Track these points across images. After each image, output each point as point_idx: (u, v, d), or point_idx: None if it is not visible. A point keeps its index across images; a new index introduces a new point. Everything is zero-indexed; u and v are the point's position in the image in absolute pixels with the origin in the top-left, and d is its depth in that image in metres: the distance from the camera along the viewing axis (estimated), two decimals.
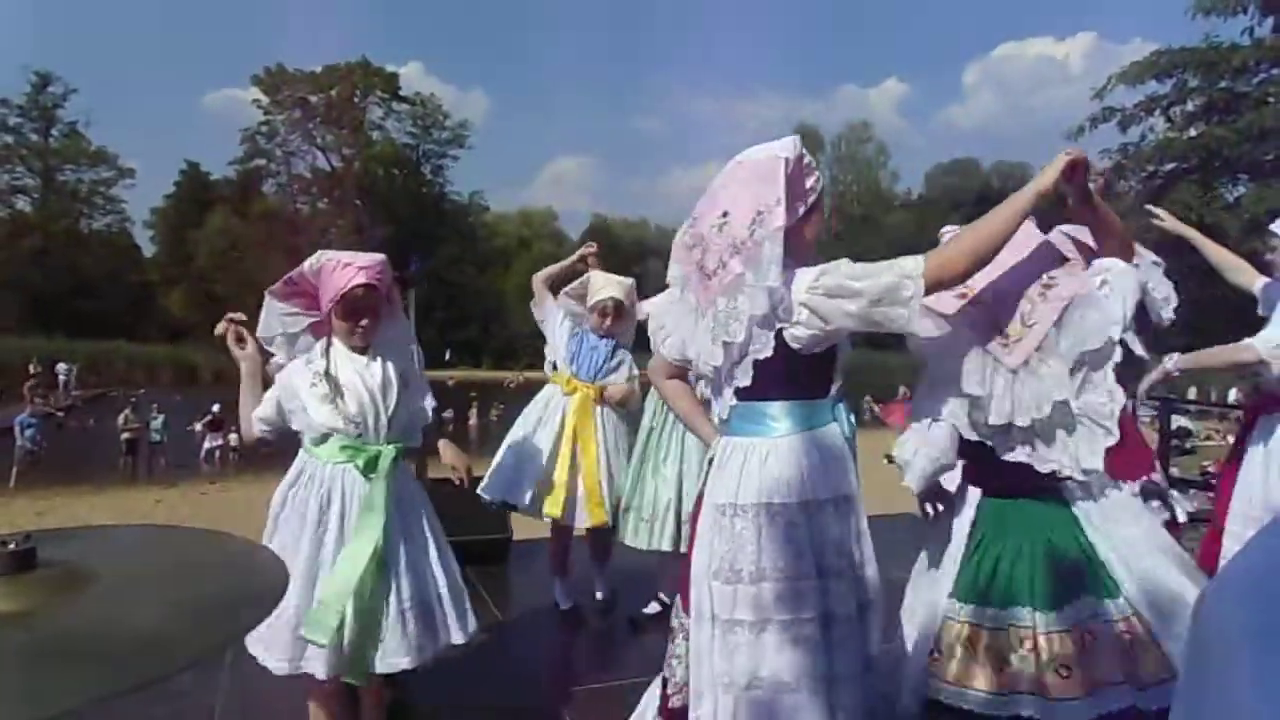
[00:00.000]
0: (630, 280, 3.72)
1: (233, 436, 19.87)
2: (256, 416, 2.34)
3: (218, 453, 19.16)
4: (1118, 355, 1.70)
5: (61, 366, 30.78)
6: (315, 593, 2.19)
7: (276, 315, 2.40)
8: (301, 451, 2.33)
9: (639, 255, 48.87)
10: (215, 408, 19.62)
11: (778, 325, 1.66)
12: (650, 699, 1.97)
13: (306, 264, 2.34)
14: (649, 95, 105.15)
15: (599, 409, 3.62)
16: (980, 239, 1.65)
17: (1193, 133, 15.41)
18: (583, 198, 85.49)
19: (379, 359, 2.34)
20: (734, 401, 1.74)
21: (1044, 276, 1.75)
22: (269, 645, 2.22)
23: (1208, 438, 18.40)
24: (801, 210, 1.76)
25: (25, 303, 41.26)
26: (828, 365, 1.76)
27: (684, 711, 1.76)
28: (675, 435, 3.49)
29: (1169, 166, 15.79)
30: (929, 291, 1.61)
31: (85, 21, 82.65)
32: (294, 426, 2.31)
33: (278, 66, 48.71)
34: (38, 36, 73.58)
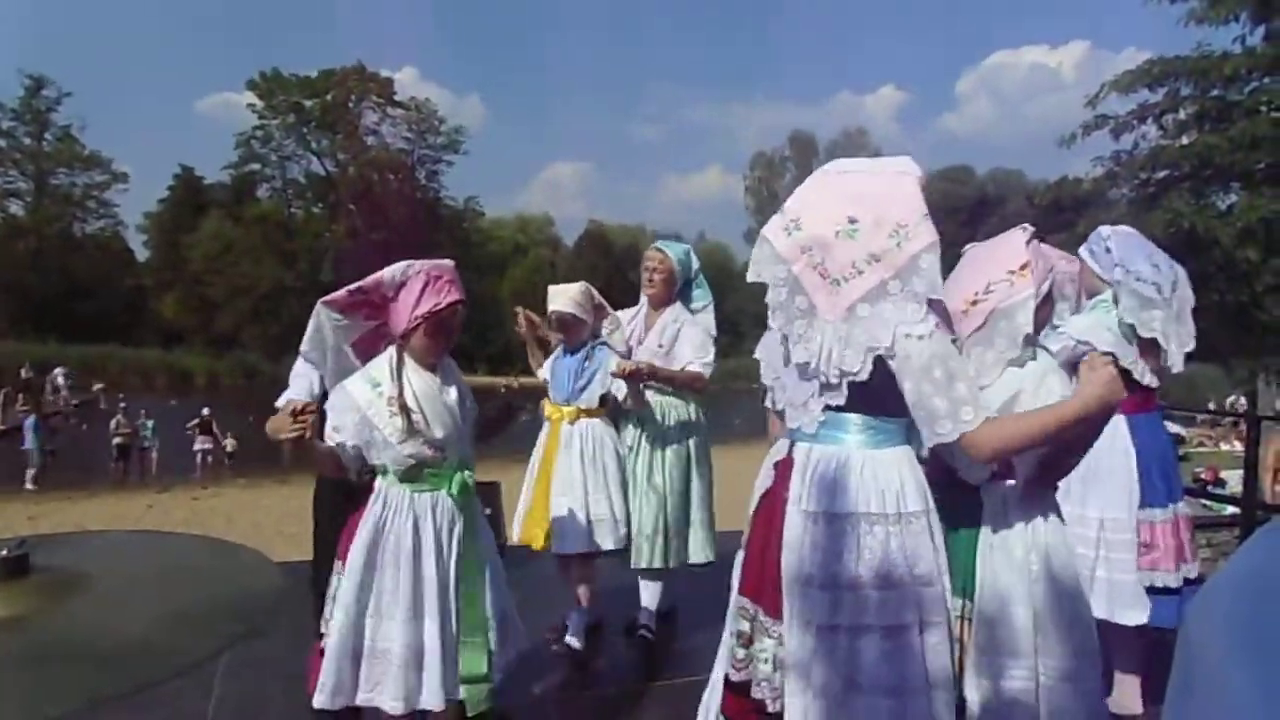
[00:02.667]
0: (579, 285, 3.47)
1: (228, 442, 19.88)
2: (347, 452, 2.16)
3: (209, 456, 19.10)
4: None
5: (59, 371, 30.67)
6: (424, 629, 2.10)
7: (329, 326, 2.20)
8: (379, 481, 2.20)
9: (635, 261, 48.98)
10: (204, 411, 19.55)
11: (875, 344, 1.70)
12: (712, 697, 1.95)
13: (387, 273, 2.16)
14: (645, 101, 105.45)
15: (572, 429, 3.44)
16: (1028, 434, 1.71)
17: (1185, 141, 15.45)
18: (578, 203, 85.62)
19: (448, 376, 2.24)
20: (823, 416, 1.77)
21: (982, 287, 1.93)
22: (378, 687, 2.10)
23: (1199, 444, 18.46)
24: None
25: (18, 307, 41.08)
26: None
27: (763, 706, 1.77)
28: (654, 455, 3.47)
29: (1161, 174, 15.84)
30: (965, 440, 1.68)
31: (79, 25, 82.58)
32: (374, 460, 2.16)
33: (273, 71, 48.67)
34: (31, 40, 73.50)
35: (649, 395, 3.47)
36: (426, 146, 53.36)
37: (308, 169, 51.35)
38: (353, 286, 2.18)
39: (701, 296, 3.73)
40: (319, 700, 2.08)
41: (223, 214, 47.95)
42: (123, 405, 19.92)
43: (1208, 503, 7.08)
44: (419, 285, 2.14)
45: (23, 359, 31.64)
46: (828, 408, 1.76)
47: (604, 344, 3.42)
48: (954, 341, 1.77)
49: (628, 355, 3.41)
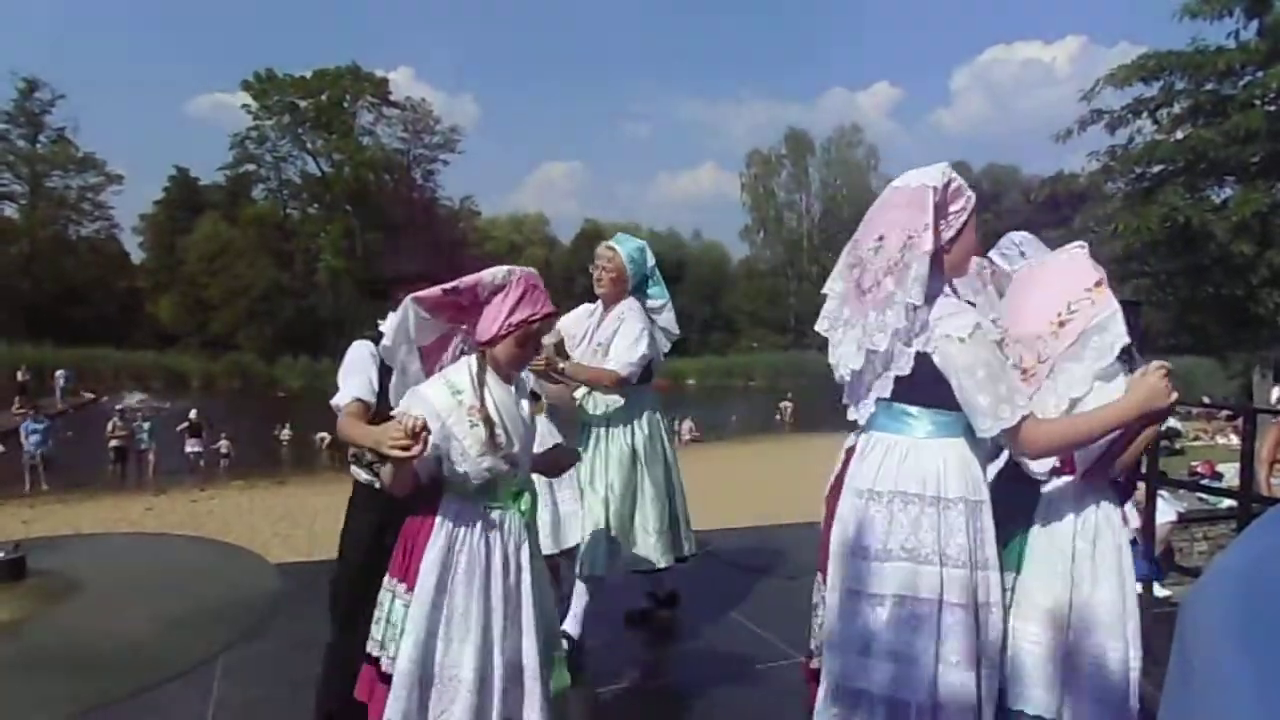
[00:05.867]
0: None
1: (223, 444, 19.86)
2: (426, 463, 2.01)
3: (201, 458, 19.07)
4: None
5: (61, 373, 30.61)
6: (494, 657, 2.01)
7: (414, 323, 2.11)
8: (447, 499, 2.07)
9: None
10: (192, 413, 19.51)
11: (915, 344, 1.86)
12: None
13: (486, 275, 2.08)
14: (637, 99, 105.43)
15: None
16: (1073, 435, 1.87)
17: (1180, 135, 15.49)
18: (573, 202, 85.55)
19: (520, 388, 2.17)
20: (874, 407, 1.95)
21: (1064, 307, 2.04)
22: (445, 713, 2.01)
23: (1195, 438, 18.49)
24: (949, 234, 1.94)
25: (13, 310, 40.96)
26: None
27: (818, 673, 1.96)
28: (595, 458, 3.43)
29: (1156, 168, 15.86)
30: (1019, 436, 1.82)
31: (72, 27, 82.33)
32: (451, 472, 2.04)
33: (267, 71, 48.50)
34: (24, 42, 73.25)
35: (597, 395, 3.43)
36: (422, 146, 53.31)
37: (303, 169, 51.25)
38: (448, 285, 2.08)
39: (659, 294, 3.63)
40: None
41: (218, 215, 47.82)
42: (119, 409, 19.86)
43: (1204, 496, 7.09)
44: (518, 292, 2.06)
45: (18, 362, 31.57)
46: (878, 400, 1.94)
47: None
48: (1000, 342, 1.91)
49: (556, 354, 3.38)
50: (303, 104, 49.02)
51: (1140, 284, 16.58)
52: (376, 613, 2.07)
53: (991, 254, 3.15)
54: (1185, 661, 0.60)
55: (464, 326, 2.14)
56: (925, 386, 1.87)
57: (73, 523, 12.83)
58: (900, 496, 1.86)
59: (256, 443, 22.52)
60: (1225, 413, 17.60)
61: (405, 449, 1.82)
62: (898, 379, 1.89)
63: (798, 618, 3.92)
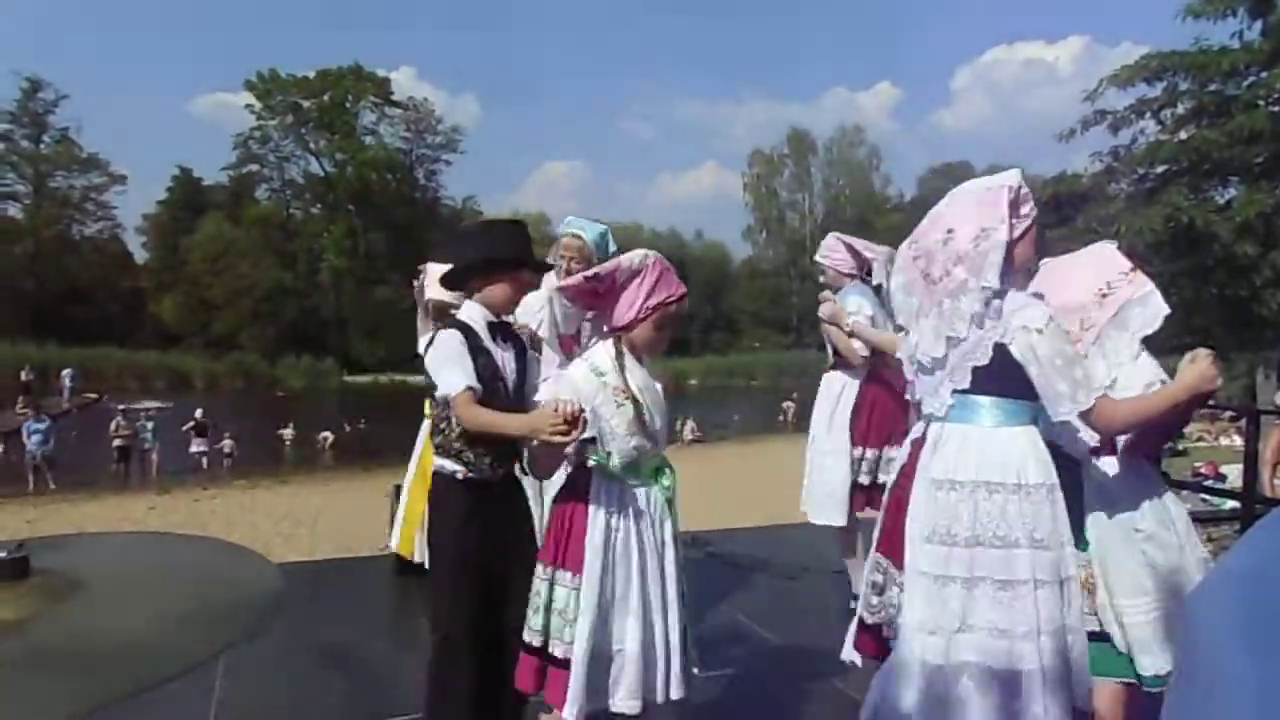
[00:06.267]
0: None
1: (226, 443, 19.89)
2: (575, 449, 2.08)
3: (205, 458, 19.10)
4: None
5: (66, 373, 30.68)
6: (654, 625, 2.08)
7: (559, 313, 2.19)
8: (597, 481, 2.10)
9: None
10: (198, 413, 19.55)
11: (993, 334, 1.96)
12: (851, 631, 2.24)
13: (625, 260, 2.13)
14: (640, 99, 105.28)
15: None
16: (1142, 413, 2.05)
17: (1183, 136, 15.44)
18: (574, 202, 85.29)
19: (650, 368, 2.21)
20: (951, 399, 2.03)
21: (1104, 284, 2.23)
22: (616, 689, 2.05)
23: (1199, 439, 18.46)
24: (1016, 233, 2.05)
25: (17, 309, 41.06)
26: None
27: (889, 645, 2.08)
28: None
29: (1160, 169, 15.82)
30: (1098, 416, 1.96)
31: (76, 27, 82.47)
32: (600, 451, 2.09)
33: (270, 71, 48.65)
34: (28, 42, 73.43)
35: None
36: (425, 146, 53.46)
37: (306, 169, 51.44)
38: (589, 273, 2.13)
39: None
40: (571, 713, 2.00)
41: (221, 215, 47.95)
42: (122, 408, 19.88)
43: (1208, 497, 7.08)
44: (654, 275, 2.10)
45: (21, 362, 31.65)
46: (955, 391, 2.02)
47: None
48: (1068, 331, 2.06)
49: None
50: (305, 104, 49.15)
51: None
52: (534, 601, 2.12)
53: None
54: (1190, 662, 0.60)
55: (597, 314, 2.19)
56: (998, 376, 1.97)
57: (76, 522, 12.86)
58: (985, 486, 1.95)
59: (259, 442, 22.54)
60: (1229, 414, 17.57)
61: (564, 433, 1.89)
62: (974, 369, 1.99)
63: (799, 617, 3.93)
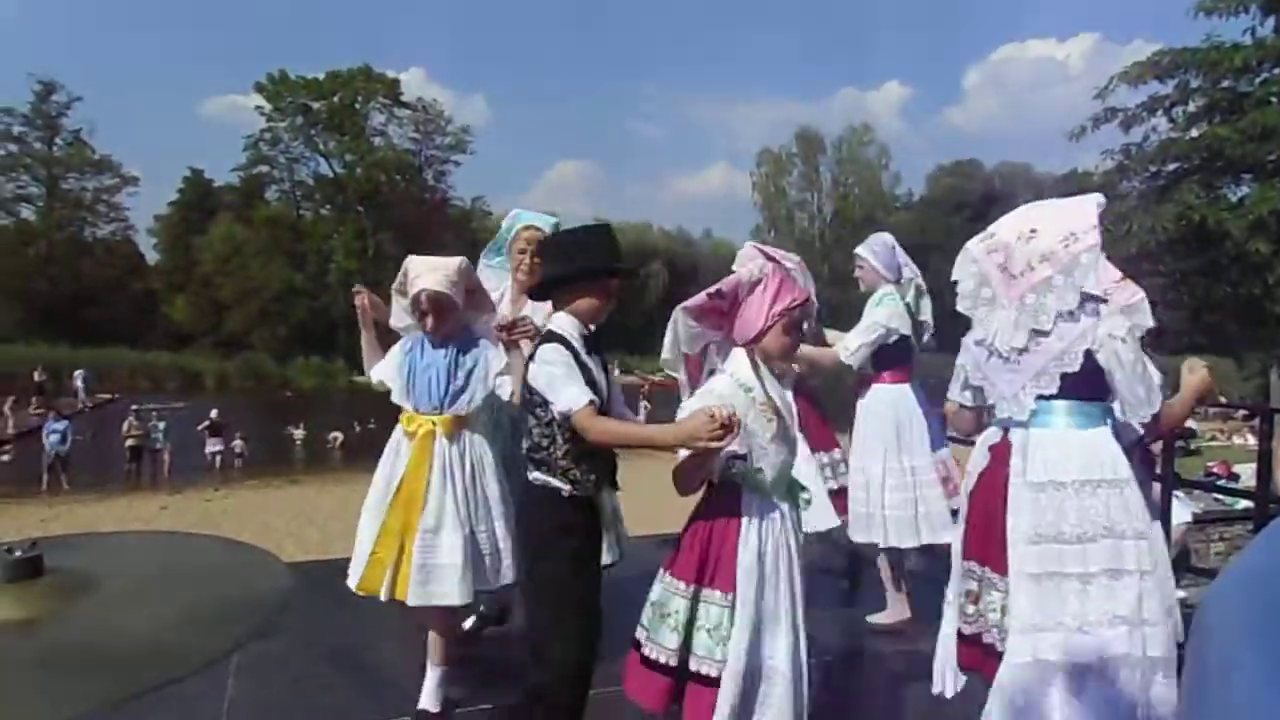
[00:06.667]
0: (456, 260, 2.82)
1: (236, 443, 20.00)
2: (722, 460, 2.07)
3: (219, 457, 19.22)
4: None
5: (79, 373, 30.92)
6: (800, 647, 2.09)
7: (683, 333, 2.15)
8: (746, 497, 2.07)
9: (643, 259, 48.92)
10: (213, 413, 19.67)
11: (1083, 342, 2.06)
12: (945, 654, 2.26)
13: (744, 272, 2.11)
14: (649, 99, 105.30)
15: (450, 445, 2.74)
16: (1181, 414, 2.35)
17: (1195, 133, 15.35)
18: (583, 202, 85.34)
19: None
20: (1035, 405, 2.10)
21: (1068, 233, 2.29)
22: (765, 709, 2.05)
23: (1211, 439, 18.34)
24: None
25: (30, 310, 41.37)
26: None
27: (993, 650, 2.11)
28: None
29: (1172, 167, 15.73)
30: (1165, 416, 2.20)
31: (87, 30, 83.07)
32: (747, 467, 2.06)
33: (280, 73, 48.83)
34: (40, 45, 73.98)
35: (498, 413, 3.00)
36: (434, 147, 53.52)
37: (316, 170, 51.54)
38: (711, 290, 2.10)
39: None
40: None
41: (232, 216, 48.15)
42: (135, 408, 19.99)
43: (1220, 497, 7.03)
44: (775, 282, 2.09)
45: (34, 362, 31.90)
46: (1040, 397, 2.10)
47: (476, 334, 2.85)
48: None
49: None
50: (315, 105, 49.30)
51: (1155, 283, 16.47)
52: (671, 620, 2.06)
53: (862, 250, 3.71)
54: (1203, 662, 0.60)
55: (723, 330, 2.16)
56: (1081, 382, 2.07)
57: (90, 522, 12.96)
58: (1088, 484, 2.03)
59: (269, 442, 22.66)
60: (1242, 413, 17.45)
61: (720, 439, 1.87)
62: (1063, 375, 2.07)
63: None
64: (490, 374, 2.78)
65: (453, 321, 2.76)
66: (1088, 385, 2.07)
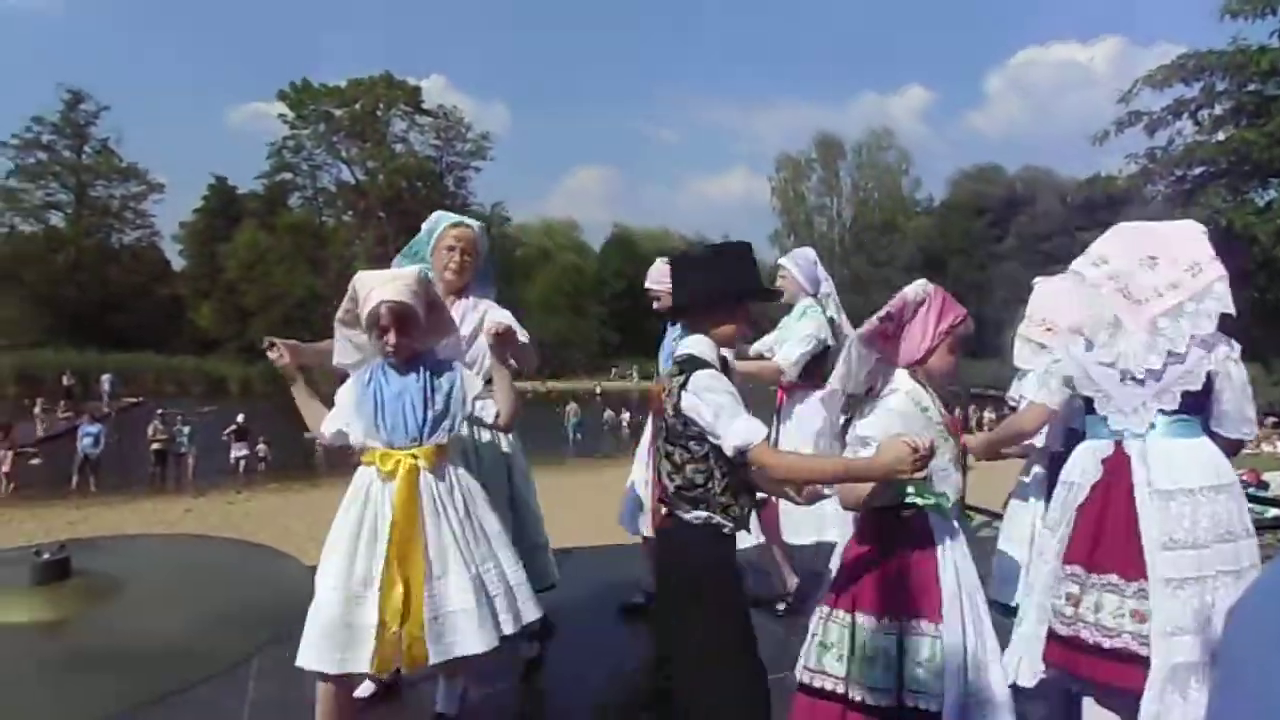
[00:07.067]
0: (415, 269, 2.61)
1: (260, 448, 20.18)
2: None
3: (244, 462, 19.39)
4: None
5: (106, 377, 31.37)
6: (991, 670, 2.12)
7: (855, 361, 2.13)
8: (934, 520, 2.05)
9: None
10: (240, 418, 19.84)
11: (1206, 363, 2.18)
12: (1027, 652, 2.32)
13: (909, 292, 2.08)
14: (668, 104, 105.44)
15: (435, 480, 2.39)
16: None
17: (1221, 136, 15.12)
18: (603, 207, 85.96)
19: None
20: (1154, 418, 2.21)
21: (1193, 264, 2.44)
22: None
23: None
24: None
25: (58, 316, 42.03)
26: None
27: (1092, 646, 2.17)
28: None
29: (1197, 170, 15.51)
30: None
31: (115, 40, 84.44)
32: (926, 489, 2.02)
33: (303, 81, 49.42)
34: (69, 55, 75.27)
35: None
36: (454, 154, 53.91)
37: (338, 177, 52.10)
38: (882, 313, 2.07)
39: (489, 285, 3.15)
40: None
41: (256, 223, 48.72)
42: (160, 412, 20.22)
43: (1250, 505, 6.92)
44: (939, 301, 2.10)
45: (63, 367, 32.40)
46: (1160, 411, 2.21)
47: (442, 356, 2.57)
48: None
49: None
50: (337, 113, 49.83)
51: None
52: (882, 659, 1.99)
53: (785, 261, 3.96)
54: (1232, 670, 0.59)
55: (885, 354, 2.14)
56: (1194, 398, 2.20)
57: (116, 524, 13.13)
58: (1210, 489, 2.14)
59: (291, 446, 22.84)
60: (1270, 420, 17.16)
61: (921, 470, 1.85)
62: (1184, 393, 2.19)
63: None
64: (469, 396, 2.47)
65: (418, 339, 2.44)
66: (1195, 400, 2.20)
